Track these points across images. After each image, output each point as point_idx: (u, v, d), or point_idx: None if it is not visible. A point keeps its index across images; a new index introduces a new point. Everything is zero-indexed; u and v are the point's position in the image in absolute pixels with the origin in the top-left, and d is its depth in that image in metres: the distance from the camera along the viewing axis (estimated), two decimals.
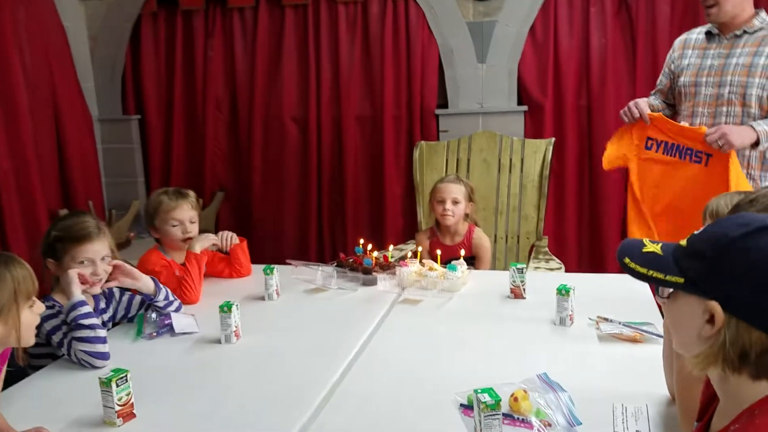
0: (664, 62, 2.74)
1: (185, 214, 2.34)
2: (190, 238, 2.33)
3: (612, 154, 2.69)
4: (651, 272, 0.93)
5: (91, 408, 1.45)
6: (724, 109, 2.46)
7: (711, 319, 0.86)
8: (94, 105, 4.31)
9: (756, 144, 2.32)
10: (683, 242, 0.93)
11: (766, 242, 0.83)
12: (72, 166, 3.91)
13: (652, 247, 0.96)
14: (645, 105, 2.59)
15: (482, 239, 2.80)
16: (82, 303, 1.76)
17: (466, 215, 2.80)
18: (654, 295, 2.13)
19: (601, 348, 1.73)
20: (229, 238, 2.44)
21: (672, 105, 2.72)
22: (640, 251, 0.96)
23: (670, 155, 2.51)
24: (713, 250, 0.86)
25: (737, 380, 0.87)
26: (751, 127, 2.32)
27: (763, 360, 0.84)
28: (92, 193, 4.12)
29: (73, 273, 1.79)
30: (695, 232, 0.92)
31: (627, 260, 0.96)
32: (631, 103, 2.60)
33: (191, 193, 2.42)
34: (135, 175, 4.39)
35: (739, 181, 2.31)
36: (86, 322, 1.72)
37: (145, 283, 1.98)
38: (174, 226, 2.32)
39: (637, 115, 2.56)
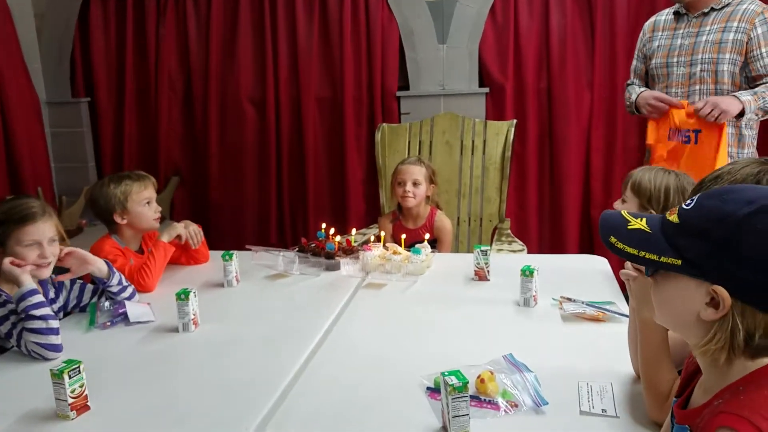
0: (636, 47, 2.74)
1: (154, 194, 2.32)
2: (159, 218, 2.31)
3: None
4: (643, 253, 0.87)
5: (42, 401, 1.39)
6: (697, 87, 2.48)
7: (711, 302, 0.82)
8: (42, 87, 4.16)
9: (741, 114, 2.34)
10: (674, 218, 0.87)
11: None
12: (19, 151, 3.77)
13: (636, 224, 0.90)
14: (660, 93, 2.53)
15: (444, 222, 2.79)
16: (33, 292, 1.67)
17: (428, 198, 2.78)
18: (616, 274, 2.16)
19: (565, 328, 1.73)
20: (195, 234, 2.37)
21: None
22: (625, 228, 0.90)
23: (674, 140, 2.49)
24: (720, 230, 0.81)
25: (732, 360, 0.84)
26: (736, 97, 2.34)
27: (765, 341, 0.81)
28: (41, 179, 3.98)
29: (7, 262, 1.70)
30: (684, 206, 0.86)
31: (613, 239, 0.90)
32: (652, 101, 2.51)
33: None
34: (86, 160, 4.25)
35: (725, 158, 2.32)
36: (38, 312, 1.64)
37: (99, 266, 1.92)
38: (146, 204, 2.27)
39: (665, 106, 2.49)
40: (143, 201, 2.26)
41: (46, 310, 1.66)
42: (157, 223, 2.31)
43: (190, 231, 2.36)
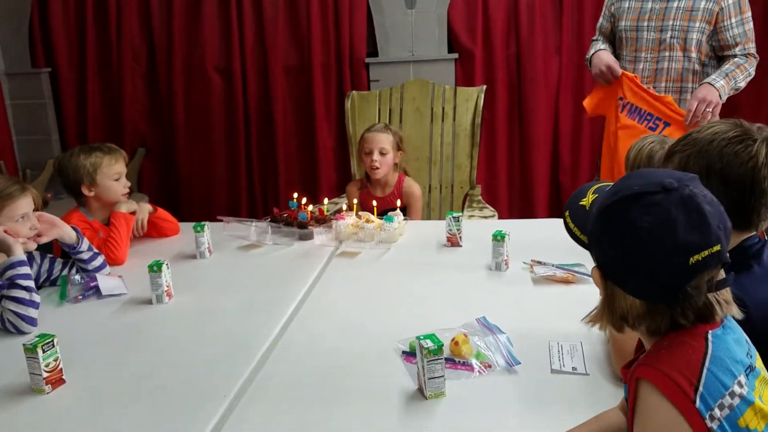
0: (604, 4, 2.70)
1: (124, 168, 2.28)
2: (128, 193, 2.28)
3: (593, 102, 2.68)
4: (573, 227, 0.95)
5: (16, 376, 1.38)
6: (666, 54, 2.48)
7: None
8: (0, 58, 4.02)
9: None
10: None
11: (636, 213, 0.83)
12: None
13: (584, 201, 0.96)
14: (614, 62, 2.54)
15: (413, 188, 2.77)
16: (23, 263, 1.69)
17: (396, 165, 2.76)
18: None
19: (536, 290, 1.77)
20: (140, 228, 2.31)
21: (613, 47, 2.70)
22: (577, 203, 0.96)
23: (632, 119, 2.51)
24: (593, 216, 0.88)
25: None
26: (711, 85, 2.37)
27: (642, 324, 0.87)
28: (2, 152, 3.89)
29: (1, 230, 1.71)
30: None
31: (567, 213, 0.97)
32: (603, 67, 2.54)
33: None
34: (48, 133, 4.15)
35: None
36: (24, 283, 1.66)
37: (68, 232, 1.92)
38: (116, 180, 2.23)
39: (611, 77, 2.53)
40: (113, 175, 2.22)
41: (31, 283, 1.68)
42: (126, 198, 2.27)
43: (137, 220, 2.29)
